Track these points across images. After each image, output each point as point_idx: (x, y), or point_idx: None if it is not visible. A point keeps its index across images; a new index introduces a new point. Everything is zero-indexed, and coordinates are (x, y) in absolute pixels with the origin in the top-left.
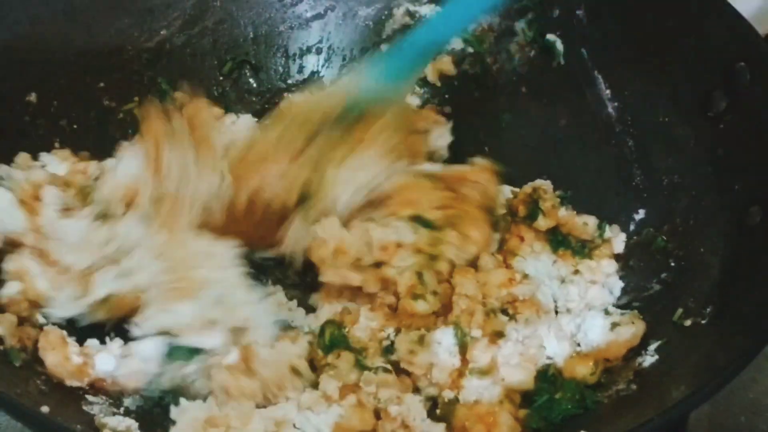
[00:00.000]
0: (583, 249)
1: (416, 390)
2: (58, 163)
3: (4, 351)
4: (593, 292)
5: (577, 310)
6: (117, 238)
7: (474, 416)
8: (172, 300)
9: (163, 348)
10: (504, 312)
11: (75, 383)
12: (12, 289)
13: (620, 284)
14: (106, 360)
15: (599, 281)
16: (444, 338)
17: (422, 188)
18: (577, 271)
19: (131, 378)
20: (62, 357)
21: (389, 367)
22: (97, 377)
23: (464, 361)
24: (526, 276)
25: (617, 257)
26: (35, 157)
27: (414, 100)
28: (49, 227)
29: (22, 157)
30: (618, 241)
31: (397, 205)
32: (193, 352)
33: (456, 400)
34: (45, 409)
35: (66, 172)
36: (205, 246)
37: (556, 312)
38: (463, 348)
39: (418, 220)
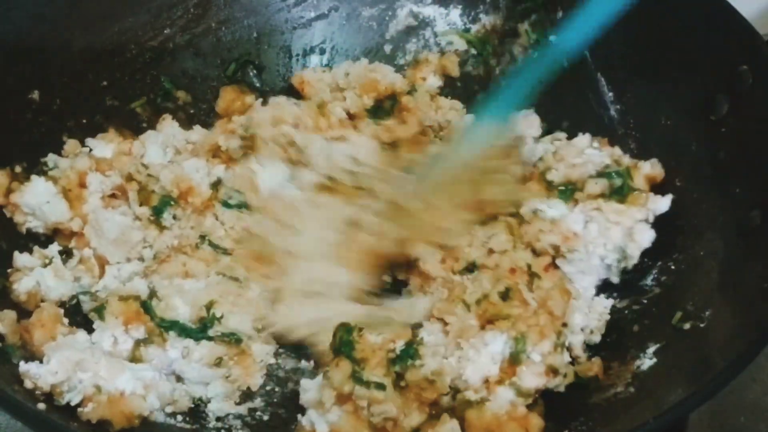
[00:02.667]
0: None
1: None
2: (104, 145)
3: (3, 348)
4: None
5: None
6: (154, 243)
7: (502, 422)
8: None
9: None
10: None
11: None
12: (29, 283)
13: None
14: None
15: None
16: (493, 342)
17: None
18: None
19: None
20: (49, 336)
21: (384, 383)
22: None
23: (507, 372)
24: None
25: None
26: (83, 143)
27: (436, 82)
28: (93, 216)
29: (71, 144)
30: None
31: None
32: None
33: (481, 402)
34: (41, 406)
35: (112, 155)
36: None
37: None
38: (513, 360)
39: None
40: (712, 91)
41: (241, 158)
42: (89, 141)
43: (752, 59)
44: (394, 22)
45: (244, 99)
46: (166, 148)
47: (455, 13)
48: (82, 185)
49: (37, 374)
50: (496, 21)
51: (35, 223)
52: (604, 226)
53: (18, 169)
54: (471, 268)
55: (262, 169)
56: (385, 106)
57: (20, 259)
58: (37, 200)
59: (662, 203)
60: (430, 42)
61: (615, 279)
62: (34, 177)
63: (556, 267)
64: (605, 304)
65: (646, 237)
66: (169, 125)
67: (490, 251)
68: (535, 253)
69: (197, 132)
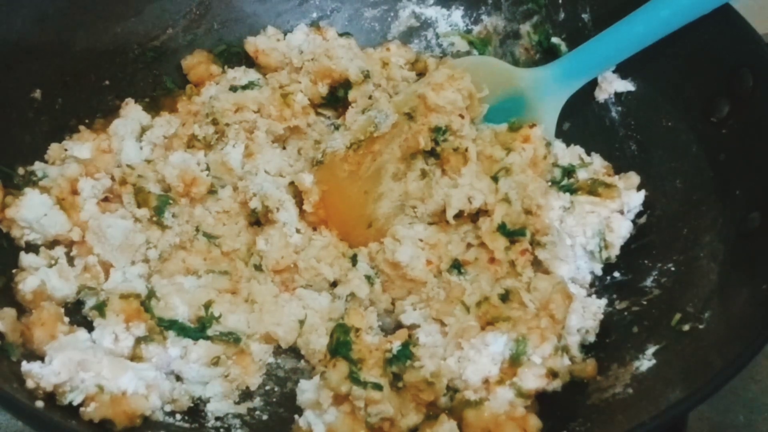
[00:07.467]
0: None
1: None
2: (80, 145)
3: (2, 346)
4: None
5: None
6: (159, 244)
7: (501, 422)
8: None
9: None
10: None
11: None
12: (34, 283)
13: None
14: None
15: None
16: (494, 343)
17: None
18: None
19: None
20: (49, 334)
21: (382, 383)
22: None
23: (507, 372)
24: None
25: None
26: (65, 147)
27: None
28: (93, 223)
29: (54, 149)
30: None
31: None
32: None
33: (480, 402)
34: (40, 404)
35: (91, 154)
36: None
37: None
38: (514, 361)
39: None
40: (712, 93)
41: (215, 143)
42: (66, 143)
43: (753, 61)
44: (396, 23)
45: (210, 67)
46: (140, 143)
47: (457, 14)
48: (74, 192)
49: (39, 374)
50: (498, 22)
51: (34, 236)
52: (581, 215)
53: (21, 171)
54: (456, 265)
55: (234, 150)
56: (338, 94)
57: (26, 258)
58: (35, 214)
59: (636, 197)
60: (431, 43)
61: (598, 269)
62: (27, 189)
63: (532, 253)
64: (599, 303)
65: (624, 227)
66: (132, 110)
67: (469, 245)
68: (511, 241)
69: (163, 117)
